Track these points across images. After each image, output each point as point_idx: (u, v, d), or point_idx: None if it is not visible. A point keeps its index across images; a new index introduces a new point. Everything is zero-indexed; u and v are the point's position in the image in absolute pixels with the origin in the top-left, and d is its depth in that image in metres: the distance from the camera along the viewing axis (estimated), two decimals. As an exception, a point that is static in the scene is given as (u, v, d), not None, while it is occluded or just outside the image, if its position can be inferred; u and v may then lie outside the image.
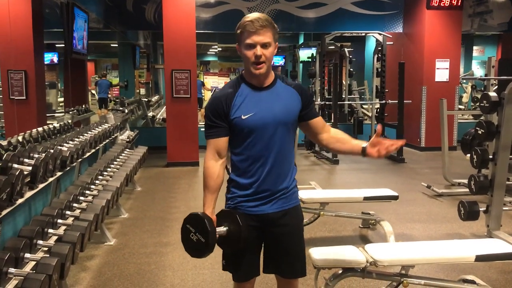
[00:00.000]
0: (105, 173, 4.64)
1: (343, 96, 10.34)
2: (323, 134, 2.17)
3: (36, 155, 3.27)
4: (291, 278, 2.17)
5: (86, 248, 3.23)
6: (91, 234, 3.26)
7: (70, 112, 7.49)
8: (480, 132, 4.11)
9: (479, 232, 4.44)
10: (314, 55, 11.03)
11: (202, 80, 16.40)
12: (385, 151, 2.04)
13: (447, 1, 8.99)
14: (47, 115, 7.81)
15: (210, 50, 17.30)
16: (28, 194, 2.93)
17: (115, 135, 6.29)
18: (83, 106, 8.11)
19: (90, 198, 3.78)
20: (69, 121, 6.05)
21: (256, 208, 2.05)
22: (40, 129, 4.78)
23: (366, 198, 4.25)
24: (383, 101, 9.02)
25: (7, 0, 5.88)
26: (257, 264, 2.17)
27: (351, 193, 4.53)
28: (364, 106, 11.43)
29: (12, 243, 2.49)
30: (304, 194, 4.24)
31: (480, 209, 4.12)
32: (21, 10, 6.37)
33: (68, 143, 4.23)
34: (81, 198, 3.69)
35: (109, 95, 12.64)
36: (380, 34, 9.14)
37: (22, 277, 2.24)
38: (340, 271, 2.77)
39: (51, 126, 5.19)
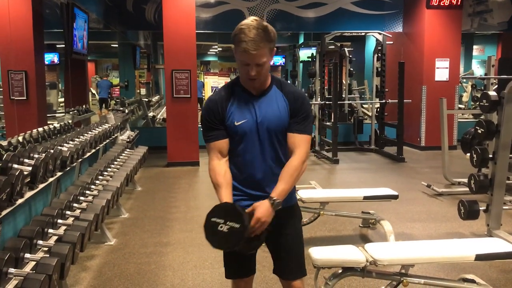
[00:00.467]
0: (105, 173, 4.64)
1: (343, 95, 10.34)
2: (287, 157, 2.04)
3: (36, 155, 3.27)
4: (291, 279, 2.13)
5: (86, 248, 3.23)
6: (91, 234, 3.26)
7: (71, 112, 7.50)
8: (480, 131, 4.11)
9: (479, 231, 4.44)
10: (314, 54, 11.02)
11: (202, 81, 16.41)
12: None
13: (447, 1, 8.99)
14: (48, 115, 7.81)
15: (210, 50, 17.31)
16: (28, 194, 2.93)
17: (116, 135, 6.29)
18: (84, 107, 8.11)
19: (90, 198, 3.78)
20: (70, 121, 6.06)
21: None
22: (40, 129, 4.78)
23: (366, 198, 4.26)
24: (383, 101, 9.03)
25: (7, 0, 5.88)
26: (249, 264, 2.17)
27: (351, 192, 4.54)
28: (364, 105, 11.43)
29: (12, 243, 2.49)
30: (304, 193, 4.24)
31: (480, 208, 4.12)
32: (21, 10, 6.37)
33: (68, 143, 4.24)
34: (81, 198, 3.70)
35: (110, 95, 12.65)
36: (380, 33, 9.15)
37: (22, 277, 2.24)
38: (340, 271, 2.78)
39: (51, 126, 5.19)
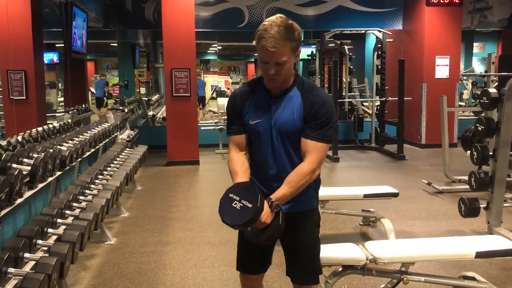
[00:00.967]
0: (105, 172, 4.63)
1: (343, 93, 10.33)
2: (301, 159, 1.99)
3: (35, 155, 3.27)
4: (299, 284, 2.13)
5: (86, 247, 3.23)
6: (91, 233, 3.26)
7: (70, 112, 7.49)
8: (480, 128, 4.11)
9: (480, 228, 4.43)
10: (314, 53, 11.02)
11: (203, 79, 16.42)
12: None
13: (447, -2, 8.98)
14: (48, 115, 7.81)
15: (210, 48, 17.29)
16: (28, 194, 2.92)
17: (115, 134, 6.28)
18: (83, 106, 8.10)
19: (90, 197, 3.77)
20: (69, 120, 6.05)
21: None
22: (39, 129, 4.78)
23: (366, 196, 4.25)
24: (383, 99, 9.02)
25: (5, 0, 5.88)
26: (259, 262, 2.15)
27: (351, 190, 4.53)
28: (364, 103, 11.42)
29: (12, 243, 2.48)
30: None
31: (481, 205, 4.12)
32: (20, 9, 6.36)
33: (67, 143, 4.23)
34: (81, 197, 3.69)
35: (105, 94, 12.64)
36: (379, 31, 9.14)
37: (22, 277, 2.23)
38: (340, 269, 2.78)
39: (50, 125, 5.18)
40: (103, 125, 5.80)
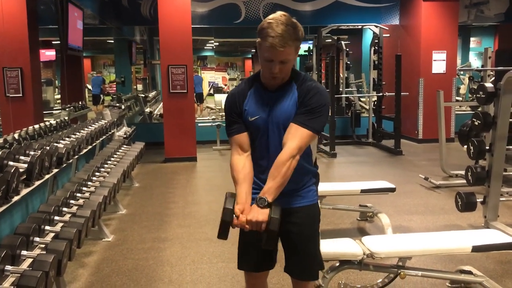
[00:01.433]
0: (102, 169, 4.63)
1: (341, 89, 10.33)
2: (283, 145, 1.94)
3: (32, 152, 3.26)
4: (298, 279, 2.12)
5: (83, 244, 3.23)
6: (88, 230, 3.26)
7: (67, 109, 7.48)
8: (476, 123, 4.11)
9: (477, 223, 4.45)
10: (311, 48, 11.01)
11: (200, 76, 16.39)
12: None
13: (444, -7, 8.97)
14: (45, 112, 7.80)
15: (207, 45, 17.26)
16: (24, 191, 2.92)
17: (112, 131, 6.27)
18: (80, 103, 8.09)
19: (87, 194, 3.77)
20: (66, 118, 6.04)
21: None
22: (36, 126, 4.77)
23: (363, 191, 4.26)
24: (381, 94, 9.02)
25: (1, -3, 5.85)
26: (262, 260, 2.11)
27: (348, 186, 4.54)
28: (361, 99, 11.43)
29: (9, 240, 2.48)
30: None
31: (477, 200, 4.13)
32: (15, 6, 6.35)
33: (64, 140, 4.22)
34: (78, 194, 3.69)
35: (102, 91, 12.62)
36: (376, 26, 9.13)
37: (19, 274, 2.23)
38: (338, 264, 2.79)
39: (47, 123, 5.17)
40: (100, 122, 5.80)
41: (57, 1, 6.61)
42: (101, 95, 12.53)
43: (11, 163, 2.91)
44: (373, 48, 9.50)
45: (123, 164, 5.02)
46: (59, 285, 3.00)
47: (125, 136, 6.74)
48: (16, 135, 4.16)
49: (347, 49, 10.13)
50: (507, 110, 3.96)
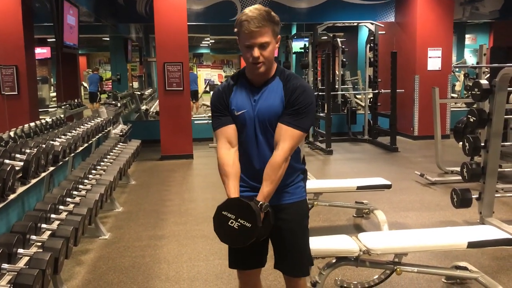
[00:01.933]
0: (98, 167, 4.62)
1: (336, 86, 10.34)
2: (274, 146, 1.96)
3: (28, 150, 3.25)
4: (289, 276, 2.13)
5: (80, 242, 3.23)
6: (85, 228, 3.26)
7: (63, 107, 7.46)
8: (472, 120, 4.13)
9: (472, 219, 4.47)
10: (307, 45, 11.01)
11: (196, 73, 16.36)
12: None
13: (439, -10, 8.99)
14: (40, 110, 7.77)
15: (203, 42, 17.23)
16: (21, 189, 2.91)
17: (108, 129, 6.26)
18: (76, 101, 8.07)
19: (83, 192, 3.76)
20: (62, 115, 6.03)
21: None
22: (32, 124, 4.76)
23: (359, 188, 4.27)
24: (376, 91, 9.04)
25: (-4, -6, 5.83)
26: (253, 257, 2.12)
27: (344, 182, 4.56)
28: (357, 96, 11.45)
29: (5, 238, 2.47)
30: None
31: (473, 196, 4.15)
32: (10, 4, 6.31)
33: (60, 138, 4.22)
34: (75, 192, 3.68)
35: (99, 89, 12.59)
36: (372, 23, 9.15)
37: (16, 273, 2.23)
38: (334, 260, 2.80)
39: (43, 121, 5.16)
40: (96, 120, 5.78)
41: (52, -2, 6.58)
42: (98, 93, 12.49)
43: (7, 161, 2.90)
44: (368, 45, 9.52)
45: (120, 162, 5.01)
46: (56, 283, 3.00)
47: (121, 134, 6.73)
48: (11, 133, 4.15)
49: (343, 46, 10.14)
50: (502, 106, 3.98)
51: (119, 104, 8.58)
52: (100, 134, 5.62)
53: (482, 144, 4.10)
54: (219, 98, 2.03)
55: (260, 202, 1.89)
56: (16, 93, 6.46)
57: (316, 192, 4.34)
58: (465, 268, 2.95)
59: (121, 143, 6.04)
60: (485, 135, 4.12)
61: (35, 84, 7.39)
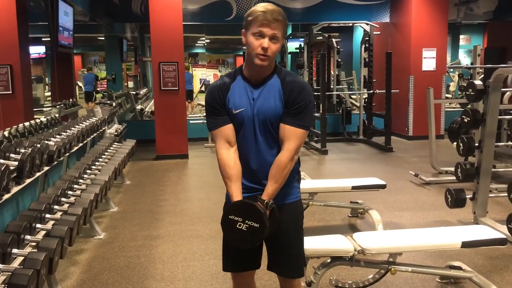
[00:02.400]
0: (93, 167, 4.61)
1: (332, 86, 10.35)
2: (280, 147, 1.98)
3: (22, 150, 3.24)
4: (284, 277, 2.12)
5: (75, 242, 3.22)
6: (80, 228, 3.25)
7: (57, 106, 7.43)
8: (466, 120, 4.15)
9: (466, 219, 4.49)
10: (302, 46, 11.02)
11: (191, 73, 16.31)
12: None
13: (434, -10, 9.02)
14: (35, 109, 7.73)
15: (198, 42, 17.19)
16: (15, 189, 2.91)
17: (103, 128, 6.25)
18: (71, 100, 8.03)
19: (78, 192, 3.75)
20: (56, 115, 6.00)
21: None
22: (26, 123, 4.73)
23: (354, 188, 4.29)
24: (371, 91, 9.07)
25: (-10, -7, 5.80)
26: (249, 259, 2.10)
27: (339, 182, 4.57)
28: (352, 96, 11.47)
29: None
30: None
31: (467, 196, 4.18)
32: (4, 2, 6.28)
33: (55, 138, 4.20)
34: (69, 192, 3.67)
35: (95, 89, 12.53)
36: (367, 24, 9.17)
37: (10, 273, 2.22)
38: (329, 260, 2.80)
39: (37, 120, 5.14)
40: (91, 119, 5.77)
41: (47, -3, 6.55)
42: (94, 92, 12.44)
43: (1, 161, 2.90)
44: (363, 46, 9.54)
45: (114, 161, 5.00)
46: (51, 283, 3.00)
47: (116, 133, 6.72)
48: (6, 133, 4.12)
49: (338, 47, 10.16)
50: (496, 107, 4.01)
51: (114, 104, 8.55)
52: (95, 134, 5.61)
53: (476, 144, 4.13)
54: (215, 96, 1.99)
55: (266, 201, 1.91)
56: (10, 92, 6.42)
57: (311, 192, 4.34)
58: (459, 268, 2.97)
59: (116, 143, 6.03)
60: (479, 135, 4.15)
61: (30, 83, 7.35)
